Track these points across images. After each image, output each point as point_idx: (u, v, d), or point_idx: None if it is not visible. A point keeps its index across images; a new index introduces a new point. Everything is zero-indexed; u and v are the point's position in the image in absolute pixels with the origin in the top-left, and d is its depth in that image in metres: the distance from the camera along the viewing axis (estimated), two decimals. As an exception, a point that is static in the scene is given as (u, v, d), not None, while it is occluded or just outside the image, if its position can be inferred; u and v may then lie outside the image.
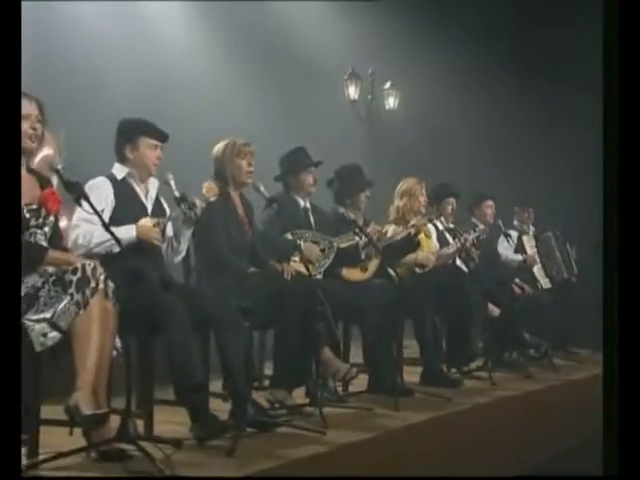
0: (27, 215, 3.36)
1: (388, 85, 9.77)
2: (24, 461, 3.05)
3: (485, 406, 4.77)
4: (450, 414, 4.45)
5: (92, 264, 3.24)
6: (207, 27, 8.34)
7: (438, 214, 6.21)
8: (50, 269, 3.33)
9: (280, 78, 8.50)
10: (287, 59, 8.58)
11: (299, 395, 4.41)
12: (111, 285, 3.25)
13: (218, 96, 8.10)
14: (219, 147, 4.53)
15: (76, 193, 3.31)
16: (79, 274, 3.18)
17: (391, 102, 9.75)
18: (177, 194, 3.83)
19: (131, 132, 3.98)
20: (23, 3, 5.84)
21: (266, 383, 4.46)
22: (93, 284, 3.18)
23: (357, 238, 5.05)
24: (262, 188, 4.35)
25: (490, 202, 6.94)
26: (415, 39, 8.74)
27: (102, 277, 3.22)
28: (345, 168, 5.46)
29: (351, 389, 4.90)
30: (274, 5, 8.64)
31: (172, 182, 3.86)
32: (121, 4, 7.63)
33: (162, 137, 4.01)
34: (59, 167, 3.33)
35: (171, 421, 3.81)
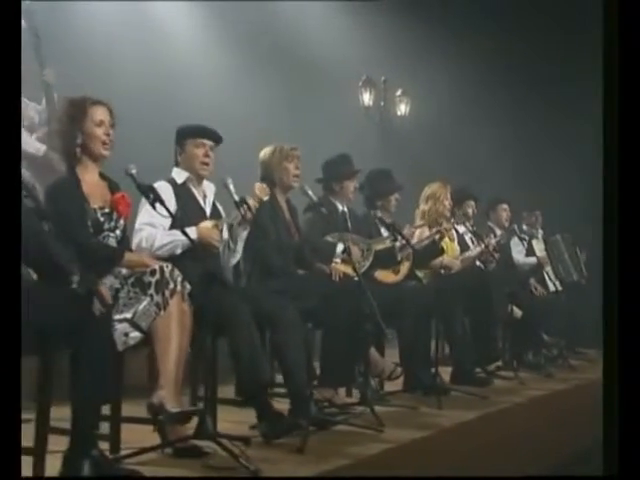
0: (101, 219, 3.43)
1: (400, 92, 9.92)
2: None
3: (522, 405, 4.89)
4: (494, 412, 4.56)
5: (169, 266, 3.31)
6: (217, 28, 8.35)
7: (465, 217, 6.32)
8: (124, 271, 3.40)
9: (292, 82, 8.55)
10: (298, 64, 8.61)
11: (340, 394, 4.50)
12: (188, 287, 3.32)
13: (225, 97, 8.13)
14: (267, 152, 4.59)
15: (151, 196, 3.39)
16: (157, 276, 3.25)
17: (402, 108, 9.91)
18: (236, 198, 3.89)
19: (178, 136, 4.08)
20: (35, 3, 5.87)
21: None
22: (172, 285, 3.25)
23: (388, 241, 5.15)
24: (310, 191, 4.45)
25: (505, 206, 7.10)
26: (424, 46, 8.85)
27: (179, 279, 3.29)
28: (376, 172, 5.57)
29: (387, 388, 4.98)
30: (281, 6, 8.68)
31: (231, 186, 3.89)
32: (129, 4, 7.64)
33: (206, 135, 4.04)
34: (133, 172, 3.39)
35: (227, 420, 3.88)
